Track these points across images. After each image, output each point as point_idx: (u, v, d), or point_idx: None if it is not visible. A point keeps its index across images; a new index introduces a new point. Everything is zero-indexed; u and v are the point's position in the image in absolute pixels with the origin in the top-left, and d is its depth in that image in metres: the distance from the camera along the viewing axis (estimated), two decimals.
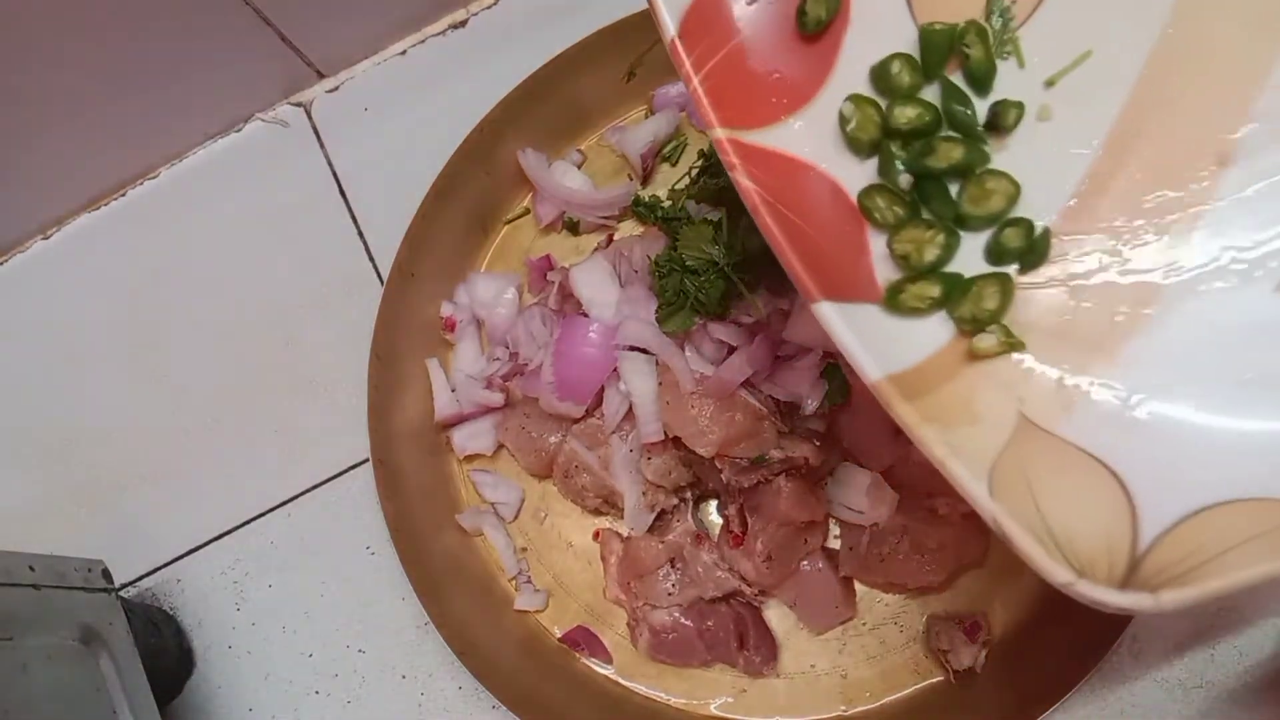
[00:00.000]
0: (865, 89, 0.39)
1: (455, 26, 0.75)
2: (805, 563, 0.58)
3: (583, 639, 0.62)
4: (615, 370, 0.59)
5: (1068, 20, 0.38)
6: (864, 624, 0.59)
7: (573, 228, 0.69)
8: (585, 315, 0.61)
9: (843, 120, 0.39)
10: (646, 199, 0.66)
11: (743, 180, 0.35)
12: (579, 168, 0.69)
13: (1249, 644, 0.56)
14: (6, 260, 0.77)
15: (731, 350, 0.56)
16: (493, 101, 0.66)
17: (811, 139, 0.38)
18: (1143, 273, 0.35)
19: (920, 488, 0.58)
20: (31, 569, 0.53)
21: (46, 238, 0.77)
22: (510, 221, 0.70)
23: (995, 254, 0.37)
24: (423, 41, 0.76)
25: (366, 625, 0.65)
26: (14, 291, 0.77)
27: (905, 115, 0.38)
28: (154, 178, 0.77)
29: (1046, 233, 0.36)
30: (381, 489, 0.62)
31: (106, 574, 0.59)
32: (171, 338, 0.73)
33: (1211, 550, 0.30)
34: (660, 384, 0.57)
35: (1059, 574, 0.30)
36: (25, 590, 0.52)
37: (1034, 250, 0.36)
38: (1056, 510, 0.32)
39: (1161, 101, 0.36)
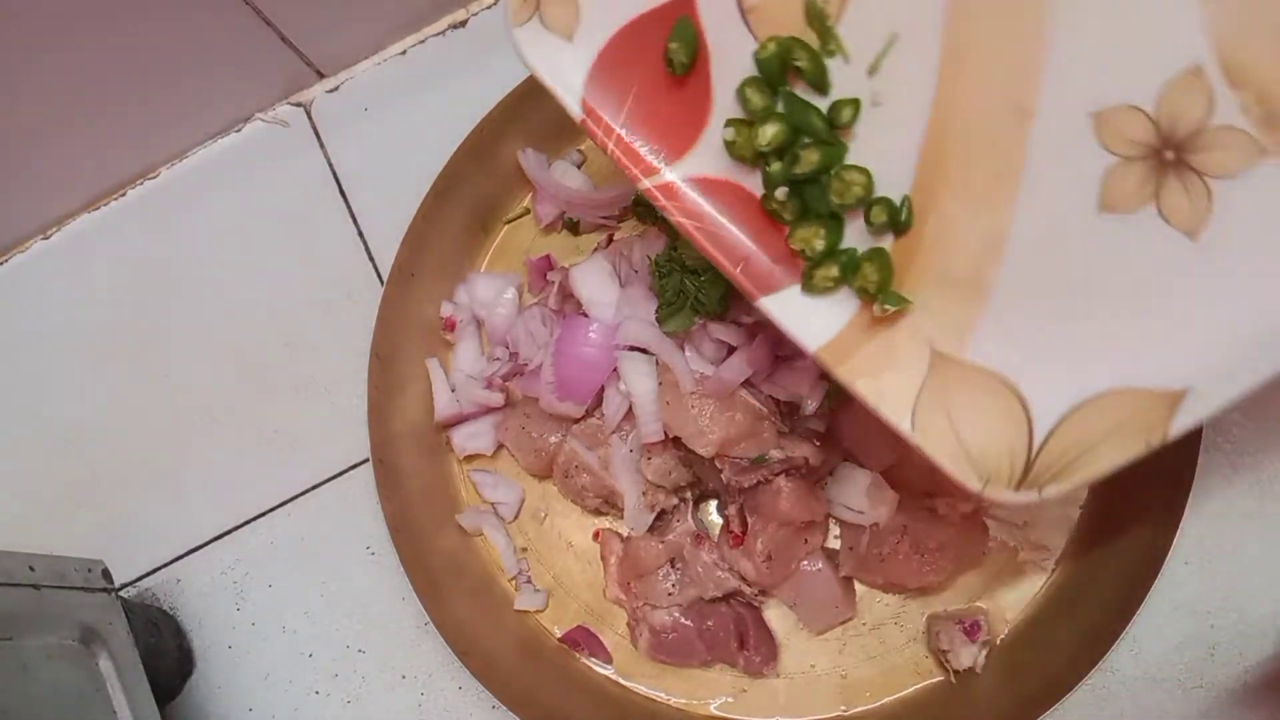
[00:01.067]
0: (739, 111, 0.44)
1: (455, 26, 0.75)
2: (805, 563, 0.58)
3: (583, 639, 0.62)
4: (615, 370, 0.59)
5: (873, 7, 0.42)
6: (864, 624, 0.59)
7: (573, 228, 0.69)
8: (585, 315, 0.61)
9: (727, 145, 0.44)
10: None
11: (676, 218, 0.43)
12: (579, 168, 0.69)
13: (1249, 644, 0.56)
14: (6, 260, 0.77)
15: (731, 350, 0.56)
16: (493, 101, 0.66)
17: (716, 160, 0.44)
18: (989, 214, 0.40)
19: (920, 488, 0.58)
20: (31, 569, 0.53)
21: (46, 238, 0.77)
22: (510, 221, 0.70)
23: (872, 230, 0.42)
24: (423, 41, 0.76)
25: (366, 625, 0.65)
26: (14, 291, 0.77)
27: (765, 136, 0.43)
28: (154, 178, 0.77)
29: (906, 201, 0.41)
30: (381, 489, 0.62)
31: (106, 574, 0.59)
32: (171, 338, 0.73)
33: (1085, 444, 0.37)
34: (660, 384, 0.57)
35: (970, 483, 0.38)
36: (25, 590, 0.52)
37: (898, 220, 0.42)
38: (969, 428, 0.39)
39: (965, 66, 0.40)
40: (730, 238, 0.43)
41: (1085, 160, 0.38)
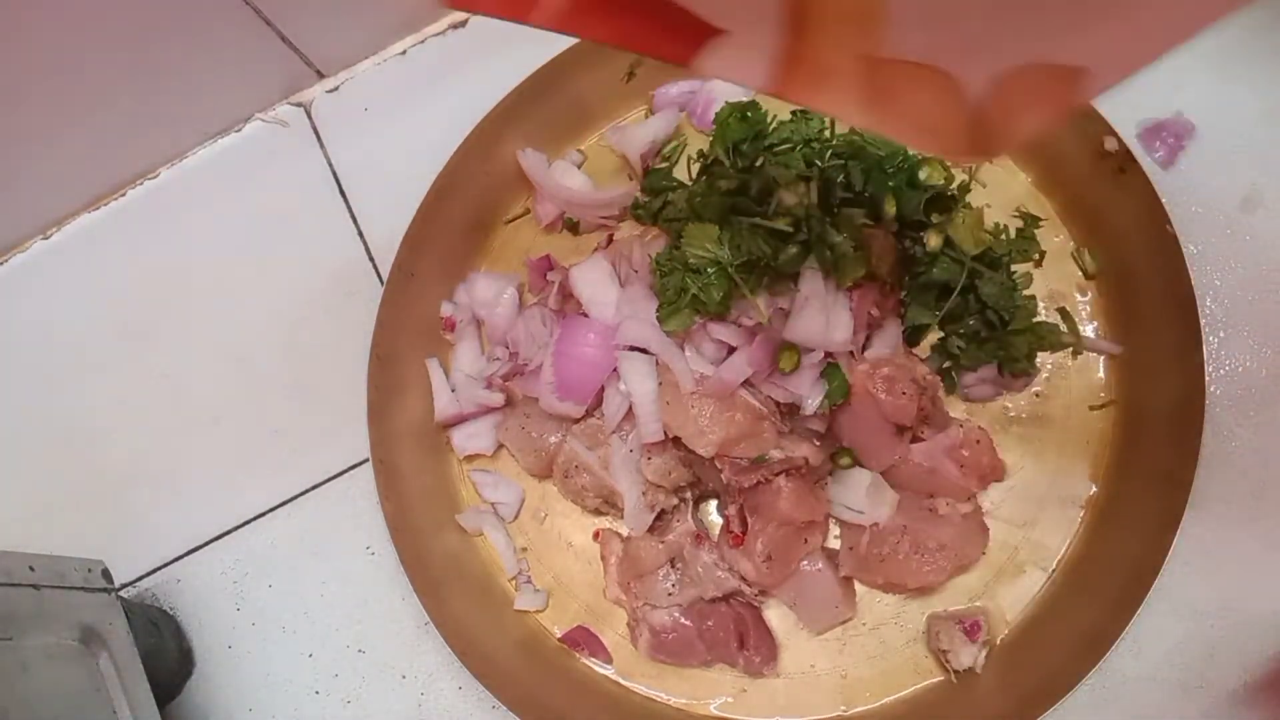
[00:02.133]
0: None
1: (455, 26, 0.75)
2: (805, 563, 0.58)
3: (583, 639, 0.62)
4: (615, 370, 0.59)
5: None
6: (864, 624, 0.59)
7: (573, 228, 0.69)
8: (585, 315, 0.61)
9: None
10: (646, 200, 0.66)
11: (587, 33, 0.43)
12: (579, 168, 0.69)
13: (1249, 644, 0.56)
14: (6, 260, 0.77)
15: (731, 350, 0.56)
16: (493, 101, 0.66)
17: None
18: None
19: (920, 488, 0.58)
20: (31, 569, 0.53)
21: (46, 238, 0.77)
22: (510, 221, 0.70)
23: None
24: (423, 41, 0.76)
25: (366, 625, 0.65)
26: (14, 291, 0.77)
27: None
28: (154, 178, 0.77)
29: None
30: (381, 489, 0.62)
31: (106, 574, 0.59)
32: (172, 338, 0.73)
33: (1013, 110, 0.39)
34: (660, 384, 0.57)
35: (932, 150, 0.44)
36: (25, 590, 0.52)
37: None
38: (915, 108, 0.40)
39: None
40: (637, 26, 0.42)
41: None
